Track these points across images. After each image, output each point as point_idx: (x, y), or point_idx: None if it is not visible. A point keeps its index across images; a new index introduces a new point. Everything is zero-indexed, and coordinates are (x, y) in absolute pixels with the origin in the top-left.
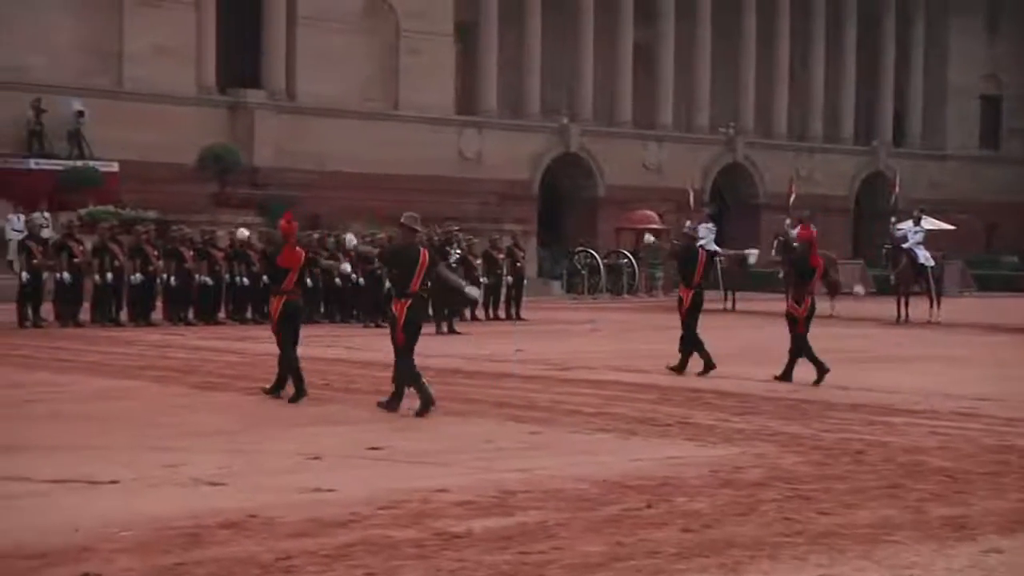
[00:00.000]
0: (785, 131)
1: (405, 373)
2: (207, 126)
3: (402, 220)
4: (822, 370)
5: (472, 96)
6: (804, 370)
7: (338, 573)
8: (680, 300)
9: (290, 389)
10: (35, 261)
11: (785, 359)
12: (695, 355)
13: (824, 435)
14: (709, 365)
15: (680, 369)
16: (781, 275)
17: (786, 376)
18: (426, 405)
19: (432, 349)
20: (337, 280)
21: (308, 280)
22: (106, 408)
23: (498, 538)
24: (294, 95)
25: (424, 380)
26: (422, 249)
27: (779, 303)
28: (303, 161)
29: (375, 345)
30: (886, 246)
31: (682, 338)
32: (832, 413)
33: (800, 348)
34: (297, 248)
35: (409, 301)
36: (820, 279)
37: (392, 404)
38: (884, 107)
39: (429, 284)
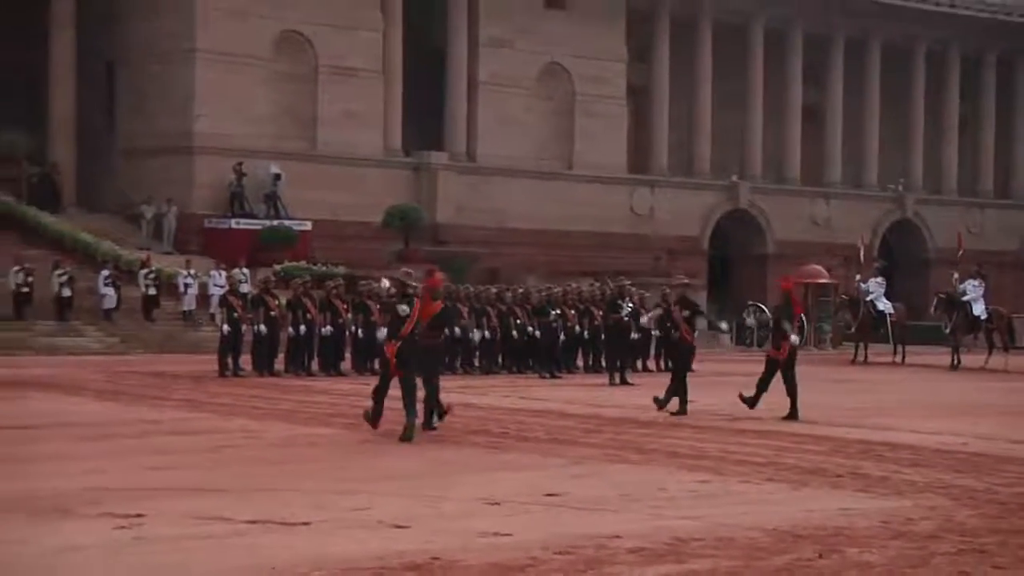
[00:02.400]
0: (955, 187)
1: (427, 395)
2: (393, 186)
3: (397, 276)
4: (794, 408)
5: (644, 156)
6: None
7: None
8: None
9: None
10: (235, 314)
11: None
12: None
13: (999, 489)
14: (663, 403)
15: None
16: (947, 330)
17: (793, 414)
18: (373, 418)
19: (605, 399)
20: (514, 332)
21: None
22: (299, 453)
23: None
24: (474, 156)
25: (382, 406)
26: (415, 300)
27: (946, 356)
28: (482, 218)
29: (551, 395)
30: None
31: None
32: (1006, 467)
33: (790, 385)
34: (434, 302)
35: (399, 344)
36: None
37: (428, 422)
38: None
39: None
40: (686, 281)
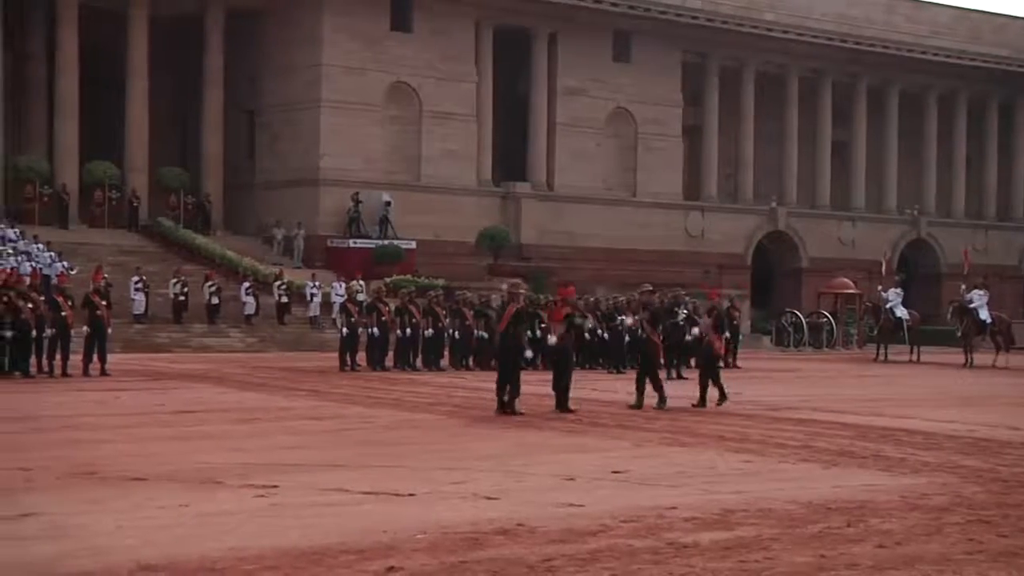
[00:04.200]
0: (963, 211)
1: (513, 385)
2: (484, 212)
3: (507, 288)
4: (723, 395)
5: (697, 185)
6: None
7: (590, 574)
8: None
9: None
10: (352, 319)
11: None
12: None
13: (1002, 469)
14: (662, 400)
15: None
16: (959, 333)
17: (723, 396)
18: (500, 408)
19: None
20: (586, 334)
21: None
22: (406, 435)
23: (720, 548)
24: (553, 186)
25: (508, 397)
26: (510, 305)
27: (958, 356)
28: (559, 239)
29: (617, 387)
30: None
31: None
32: (1008, 450)
33: (717, 376)
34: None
35: (500, 338)
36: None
37: (510, 404)
38: None
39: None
40: (651, 288)
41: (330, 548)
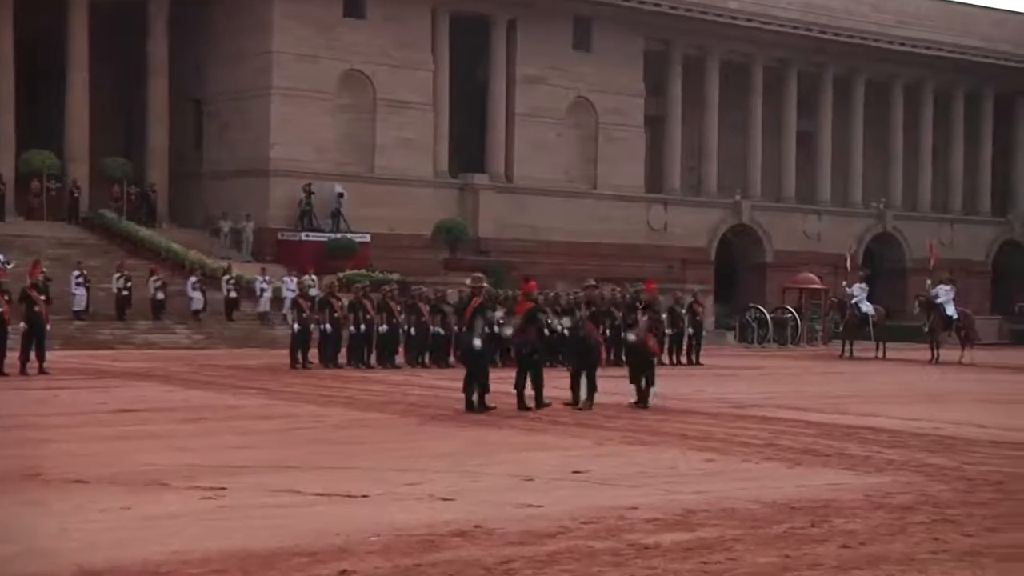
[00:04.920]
0: (929, 205)
1: (481, 383)
2: (441, 204)
3: (470, 282)
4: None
5: (659, 177)
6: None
7: None
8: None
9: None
10: (304, 315)
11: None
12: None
13: (967, 467)
14: (586, 402)
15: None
16: (926, 329)
17: (643, 401)
18: (467, 408)
19: (625, 389)
20: (545, 330)
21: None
22: (359, 435)
23: (682, 549)
24: (512, 178)
25: (471, 396)
26: (473, 299)
27: (924, 352)
28: (519, 232)
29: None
30: (1020, 305)
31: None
32: (974, 448)
33: (651, 376)
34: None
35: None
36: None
37: (475, 407)
38: (1018, 183)
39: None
40: (593, 283)
41: (281, 551)
